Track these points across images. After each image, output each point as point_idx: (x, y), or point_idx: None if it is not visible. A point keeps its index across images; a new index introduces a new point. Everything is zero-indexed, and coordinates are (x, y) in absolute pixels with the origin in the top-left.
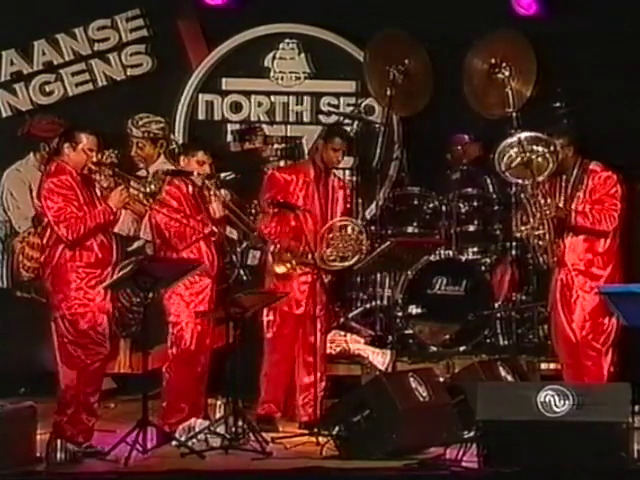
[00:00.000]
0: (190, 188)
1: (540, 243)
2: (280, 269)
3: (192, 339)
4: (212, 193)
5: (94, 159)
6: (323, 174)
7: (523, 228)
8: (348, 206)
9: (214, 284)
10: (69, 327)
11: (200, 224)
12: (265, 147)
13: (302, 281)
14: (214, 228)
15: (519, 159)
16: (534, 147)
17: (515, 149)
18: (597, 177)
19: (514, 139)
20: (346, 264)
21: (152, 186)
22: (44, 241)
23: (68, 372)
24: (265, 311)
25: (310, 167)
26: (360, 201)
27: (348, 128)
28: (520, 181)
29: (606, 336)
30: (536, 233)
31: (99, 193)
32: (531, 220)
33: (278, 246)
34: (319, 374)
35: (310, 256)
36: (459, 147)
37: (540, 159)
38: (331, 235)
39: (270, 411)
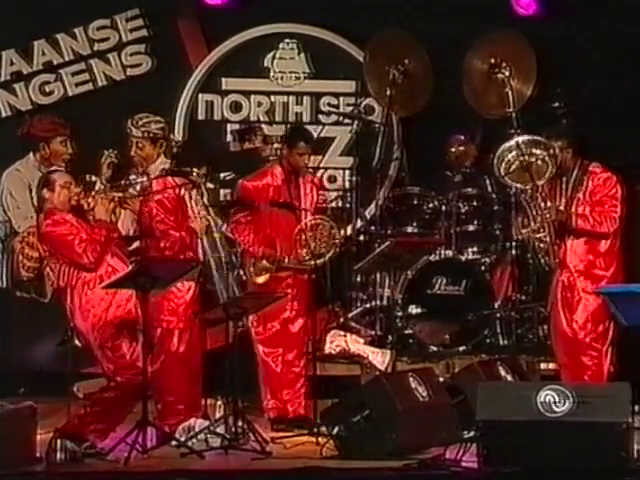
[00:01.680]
0: (180, 191)
1: (541, 245)
2: (260, 279)
3: (180, 341)
4: (194, 200)
5: (76, 190)
6: (293, 176)
7: (524, 231)
8: (320, 197)
9: (197, 284)
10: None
11: (187, 233)
12: (265, 147)
13: (285, 284)
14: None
15: (518, 163)
16: (533, 151)
17: (514, 153)
18: (597, 178)
19: (512, 143)
20: (321, 260)
21: (137, 187)
22: (62, 267)
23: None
24: (251, 321)
25: (279, 171)
26: (360, 198)
27: (348, 128)
28: (520, 185)
29: (606, 336)
30: (537, 236)
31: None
32: (531, 223)
33: (253, 259)
34: (299, 370)
35: (287, 259)
36: (453, 149)
37: (539, 163)
38: (304, 237)
39: (279, 412)
